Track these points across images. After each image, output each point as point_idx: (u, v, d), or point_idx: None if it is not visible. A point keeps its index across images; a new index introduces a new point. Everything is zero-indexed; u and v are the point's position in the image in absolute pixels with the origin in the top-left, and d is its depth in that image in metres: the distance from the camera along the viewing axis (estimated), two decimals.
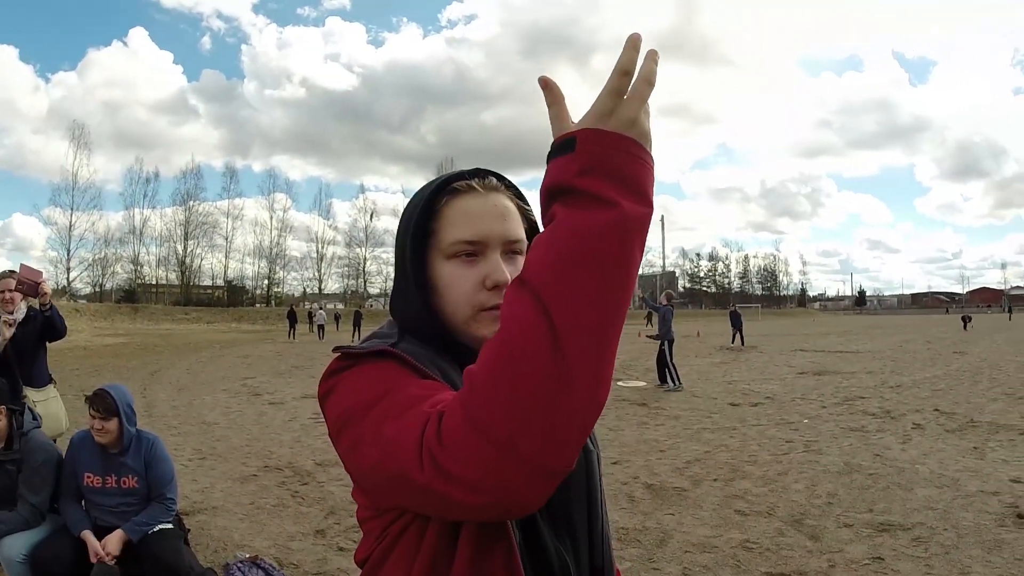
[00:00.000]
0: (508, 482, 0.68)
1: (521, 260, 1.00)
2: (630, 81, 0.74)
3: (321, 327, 36.24)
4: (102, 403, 3.56)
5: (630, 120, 0.74)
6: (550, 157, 0.75)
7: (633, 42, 0.74)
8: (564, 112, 0.79)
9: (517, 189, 1.07)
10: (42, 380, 5.07)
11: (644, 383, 14.23)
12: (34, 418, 3.91)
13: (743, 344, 27.48)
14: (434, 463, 0.70)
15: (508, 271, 0.96)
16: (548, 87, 0.79)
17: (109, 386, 3.70)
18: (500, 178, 1.05)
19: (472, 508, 0.71)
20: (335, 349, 0.97)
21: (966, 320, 44.29)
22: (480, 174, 1.03)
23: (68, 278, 66.02)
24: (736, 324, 28.80)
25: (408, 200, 1.07)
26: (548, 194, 0.75)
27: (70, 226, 65.96)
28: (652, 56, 0.77)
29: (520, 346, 0.68)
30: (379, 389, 0.85)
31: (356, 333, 36.20)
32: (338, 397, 0.90)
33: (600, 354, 0.68)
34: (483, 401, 0.68)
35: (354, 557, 1.05)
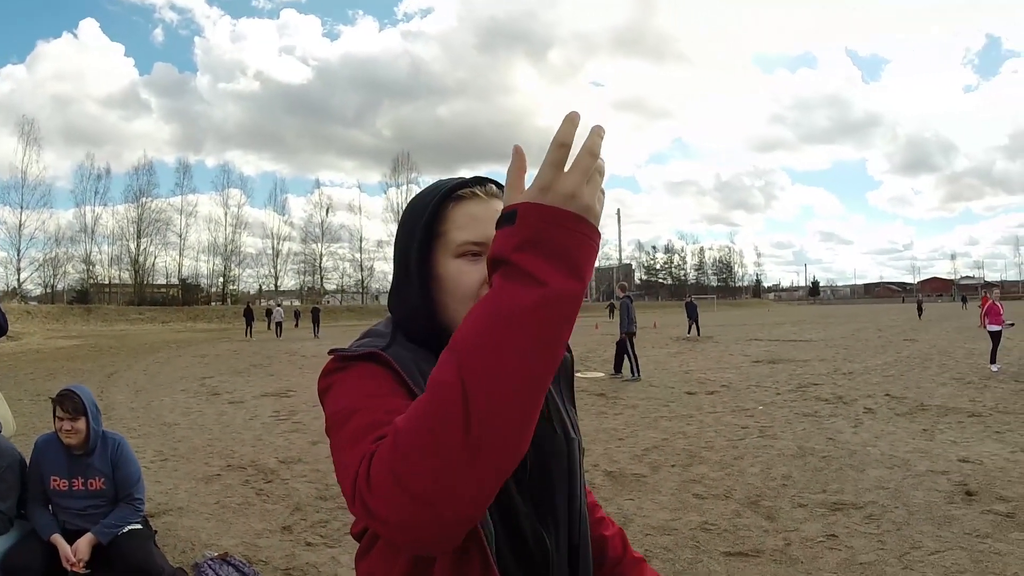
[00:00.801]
0: (422, 528, 0.74)
1: None
2: (568, 153, 0.77)
3: (279, 324, 35.87)
4: (70, 403, 3.55)
5: (569, 194, 0.76)
6: (498, 225, 0.80)
7: (571, 118, 0.78)
8: (520, 182, 0.84)
9: None
10: None
11: (602, 374, 14.41)
12: None
13: (699, 334, 27.83)
14: (363, 502, 0.76)
15: None
16: (518, 154, 0.85)
17: (74, 386, 3.68)
18: (499, 186, 1.13)
19: (396, 542, 0.77)
20: (330, 352, 1.05)
21: (920, 306, 44.94)
22: (481, 182, 1.12)
23: (19, 279, 64.28)
24: (692, 315, 29.08)
25: (408, 205, 1.16)
26: (491, 264, 0.79)
27: (20, 225, 64.15)
28: (597, 131, 0.80)
29: (436, 410, 0.73)
30: (357, 401, 0.93)
31: (316, 330, 36.17)
32: (332, 396, 0.99)
33: (509, 427, 0.72)
34: (402, 456, 0.73)
35: (351, 530, 1.16)
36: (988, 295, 14.71)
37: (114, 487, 3.69)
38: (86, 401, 3.60)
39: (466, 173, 1.18)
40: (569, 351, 1.29)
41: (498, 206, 1.08)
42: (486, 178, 1.13)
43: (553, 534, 1.08)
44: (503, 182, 1.07)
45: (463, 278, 1.05)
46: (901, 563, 4.14)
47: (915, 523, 4.78)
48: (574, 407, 1.29)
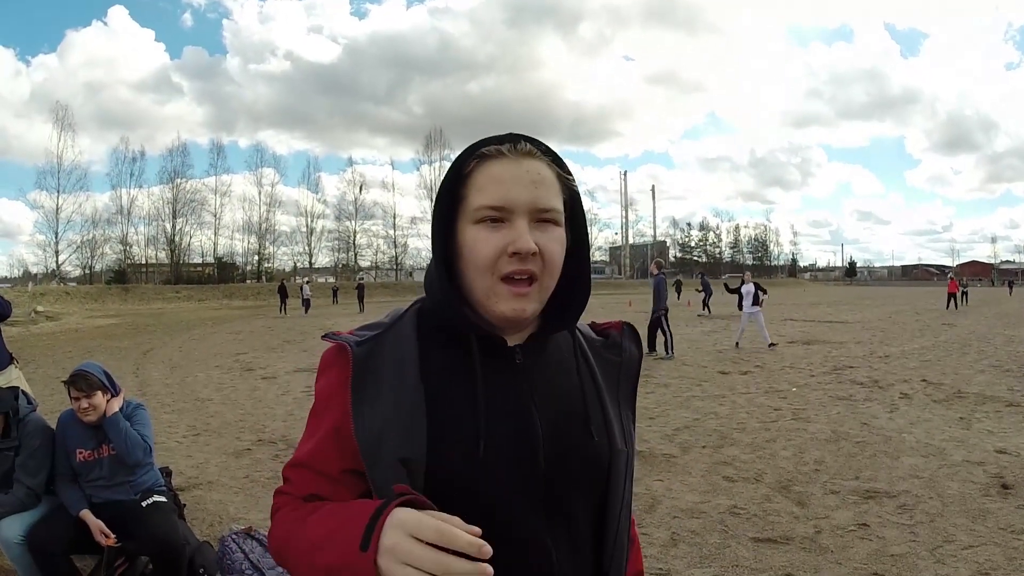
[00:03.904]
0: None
1: (556, 229, 1.00)
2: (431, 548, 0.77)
3: (307, 301, 36.17)
4: (83, 382, 3.59)
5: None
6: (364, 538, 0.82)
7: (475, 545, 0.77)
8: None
9: (557, 156, 1.04)
10: (2, 362, 5.10)
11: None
12: (29, 402, 3.91)
13: (709, 312, 27.78)
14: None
15: (539, 240, 0.96)
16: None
17: (81, 366, 3.73)
18: (537, 144, 1.02)
19: None
20: (324, 336, 1.06)
21: (965, 292, 35.65)
22: (513, 139, 1.01)
23: (57, 261, 65.43)
24: (705, 289, 28.92)
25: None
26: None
27: (57, 209, 65.04)
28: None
29: None
30: (316, 401, 1.07)
31: (360, 305, 37.11)
32: (314, 387, 1.09)
33: None
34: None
35: None
36: None
37: None
38: (97, 375, 3.65)
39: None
40: (639, 348, 1.21)
41: (531, 166, 0.99)
42: (522, 135, 1.01)
43: (565, 549, 0.97)
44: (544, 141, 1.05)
45: (478, 247, 0.96)
46: (933, 556, 4.04)
47: (949, 515, 4.66)
48: (633, 413, 1.16)
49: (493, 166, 0.98)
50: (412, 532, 0.78)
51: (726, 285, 16.47)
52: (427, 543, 0.76)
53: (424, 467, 0.92)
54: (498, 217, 0.96)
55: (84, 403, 3.58)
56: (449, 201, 1.00)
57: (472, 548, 0.75)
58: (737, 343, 15.60)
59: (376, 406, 0.96)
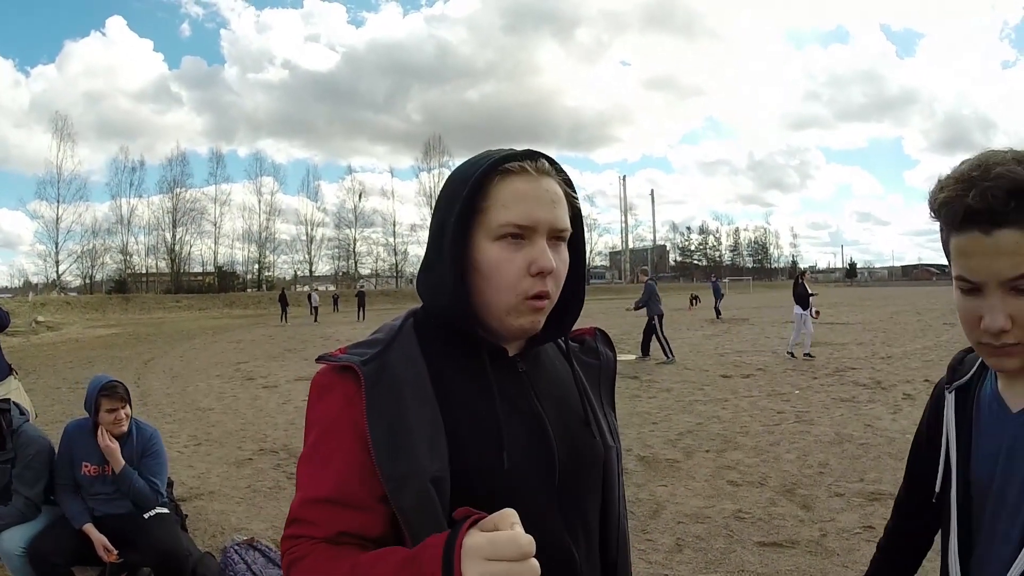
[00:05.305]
0: None
1: (563, 248, 1.02)
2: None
3: (316, 309, 36.46)
4: (122, 388, 3.66)
5: None
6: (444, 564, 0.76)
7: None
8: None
9: (566, 175, 1.05)
10: (1, 373, 5.09)
11: (635, 356, 14.30)
12: (22, 412, 3.89)
13: (718, 316, 27.90)
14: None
15: (552, 259, 0.97)
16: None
17: (107, 376, 3.74)
18: (551, 162, 1.03)
19: None
20: (318, 359, 1.00)
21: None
22: (532, 156, 1.01)
23: (58, 271, 65.71)
24: (716, 295, 29.07)
25: (450, 175, 1.05)
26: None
27: (57, 219, 65.46)
28: None
29: None
30: (315, 424, 0.97)
31: (360, 313, 36.82)
32: (307, 409, 1.00)
33: None
34: None
35: None
36: None
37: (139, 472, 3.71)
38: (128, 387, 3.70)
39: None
40: (612, 351, 1.27)
41: (549, 185, 0.99)
42: (538, 152, 1.02)
43: (583, 548, 1.01)
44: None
45: (502, 265, 0.96)
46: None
47: None
48: (614, 411, 1.23)
49: (517, 183, 0.97)
50: (489, 556, 0.75)
51: (798, 281, 14.49)
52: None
53: (450, 483, 0.90)
54: (520, 235, 0.96)
55: (121, 413, 3.60)
56: (464, 211, 0.97)
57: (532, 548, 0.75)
58: (790, 353, 13.79)
59: (395, 426, 0.91)
